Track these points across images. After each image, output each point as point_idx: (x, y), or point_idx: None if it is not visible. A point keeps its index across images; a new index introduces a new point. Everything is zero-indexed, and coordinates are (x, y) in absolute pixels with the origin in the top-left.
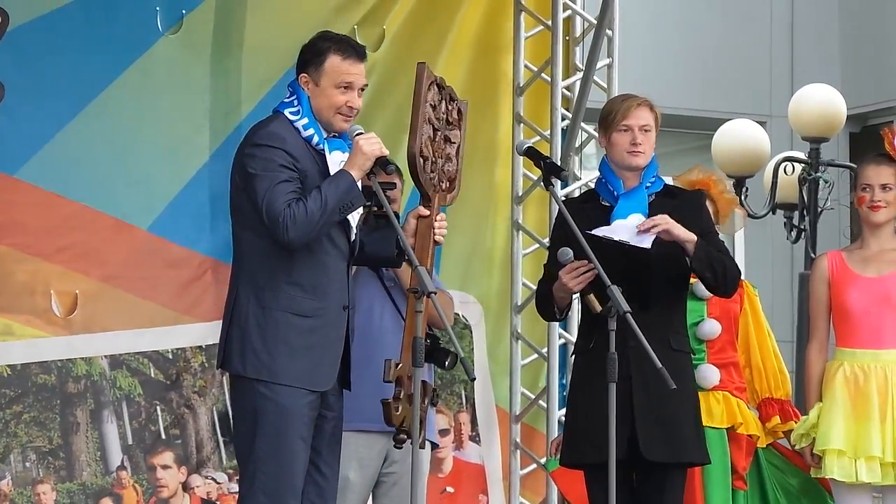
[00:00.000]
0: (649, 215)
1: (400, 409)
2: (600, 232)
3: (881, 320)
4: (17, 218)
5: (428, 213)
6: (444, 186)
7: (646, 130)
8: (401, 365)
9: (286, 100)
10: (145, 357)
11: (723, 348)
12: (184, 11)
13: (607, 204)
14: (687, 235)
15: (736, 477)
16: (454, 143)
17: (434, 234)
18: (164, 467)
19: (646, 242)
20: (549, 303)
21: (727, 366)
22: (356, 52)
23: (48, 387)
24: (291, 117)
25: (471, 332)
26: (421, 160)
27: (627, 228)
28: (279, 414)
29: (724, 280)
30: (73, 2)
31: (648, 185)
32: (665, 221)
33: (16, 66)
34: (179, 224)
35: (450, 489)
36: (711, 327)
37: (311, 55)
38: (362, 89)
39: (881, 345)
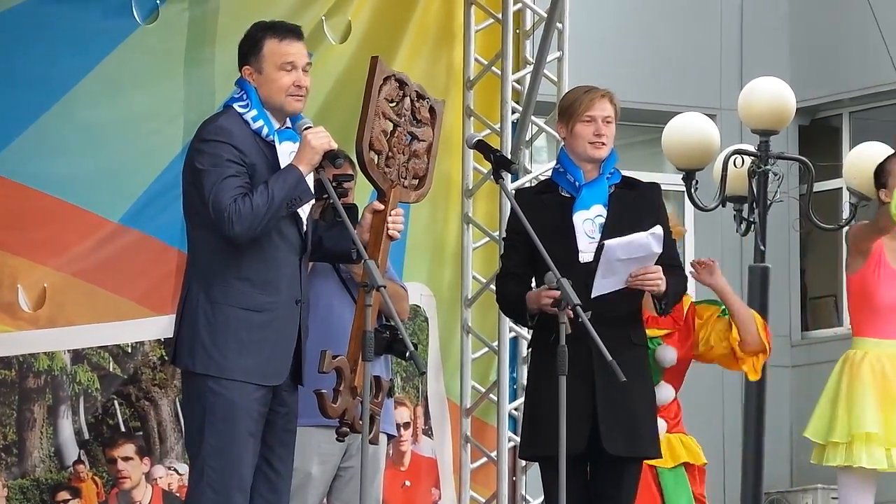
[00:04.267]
0: (609, 207)
1: (339, 401)
2: (598, 284)
3: None
4: None
5: (382, 207)
6: (405, 183)
7: (608, 122)
8: (339, 357)
9: (235, 94)
10: (105, 351)
11: (675, 410)
12: (158, 1)
13: (567, 195)
14: (664, 287)
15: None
16: (423, 140)
17: (388, 230)
18: (126, 459)
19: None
20: (521, 310)
21: (667, 408)
22: (292, 32)
23: (7, 382)
24: (240, 110)
25: (428, 325)
26: (374, 154)
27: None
28: (227, 409)
29: (676, 303)
30: None
31: (609, 176)
32: (663, 282)
33: None
34: (151, 216)
35: (408, 483)
36: (668, 353)
37: (248, 46)
38: (307, 67)
39: None
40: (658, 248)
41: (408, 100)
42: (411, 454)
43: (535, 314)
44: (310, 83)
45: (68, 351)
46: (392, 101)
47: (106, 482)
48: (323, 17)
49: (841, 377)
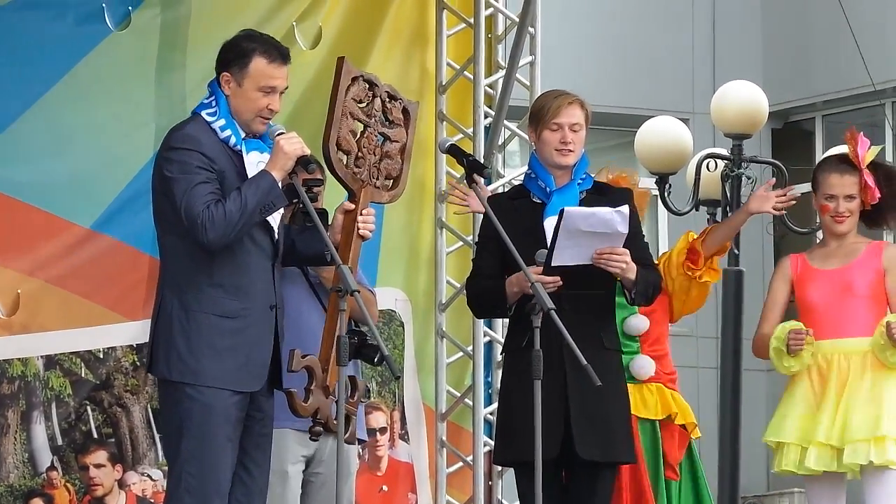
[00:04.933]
0: None
1: (310, 400)
2: (559, 252)
3: (843, 310)
4: None
5: (353, 207)
6: (378, 183)
7: (575, 130)
8: (308, 356)
9: (205, 100)
10: (78, 357)
11: (657, 340)
12: (130, 8)
13: (538, 201)
14: (633, 275)
15: (667, 467)
16: (396, 141)
17: (359, 229)
18: (98, 466)
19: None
20: (499, 299)
21: (660, 357)
22: (281, 55)
23: None
24: (208, 119)
25: (404, 330)
26: (342, 155)
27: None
28: (205, 415)
29: (649, 300)
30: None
31: (580, 181)
32: (628, 264)
33: None
34: (123, 222)
35: (385, 488)
36: (639, 323)
37: (235, 55)
38: (284, 91)
39: (842, 333)
40: (623, 229)
41: (378, 100)
42: (388, 459)
43: (513, 304)
44: (280, 106)
45: (41, 356)
46: (361, 102)
47: (78, 489)
48: (294, 23)
49: (787, 387)
